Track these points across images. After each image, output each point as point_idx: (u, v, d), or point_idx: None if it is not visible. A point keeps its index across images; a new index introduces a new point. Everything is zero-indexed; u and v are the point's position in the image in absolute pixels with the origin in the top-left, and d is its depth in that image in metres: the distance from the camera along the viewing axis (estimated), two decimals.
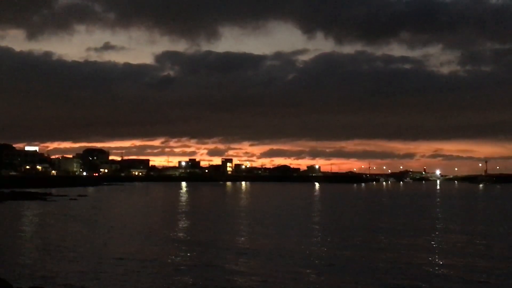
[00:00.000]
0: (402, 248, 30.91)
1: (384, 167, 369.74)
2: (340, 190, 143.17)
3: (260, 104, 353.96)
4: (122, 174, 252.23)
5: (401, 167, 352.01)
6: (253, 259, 27.11)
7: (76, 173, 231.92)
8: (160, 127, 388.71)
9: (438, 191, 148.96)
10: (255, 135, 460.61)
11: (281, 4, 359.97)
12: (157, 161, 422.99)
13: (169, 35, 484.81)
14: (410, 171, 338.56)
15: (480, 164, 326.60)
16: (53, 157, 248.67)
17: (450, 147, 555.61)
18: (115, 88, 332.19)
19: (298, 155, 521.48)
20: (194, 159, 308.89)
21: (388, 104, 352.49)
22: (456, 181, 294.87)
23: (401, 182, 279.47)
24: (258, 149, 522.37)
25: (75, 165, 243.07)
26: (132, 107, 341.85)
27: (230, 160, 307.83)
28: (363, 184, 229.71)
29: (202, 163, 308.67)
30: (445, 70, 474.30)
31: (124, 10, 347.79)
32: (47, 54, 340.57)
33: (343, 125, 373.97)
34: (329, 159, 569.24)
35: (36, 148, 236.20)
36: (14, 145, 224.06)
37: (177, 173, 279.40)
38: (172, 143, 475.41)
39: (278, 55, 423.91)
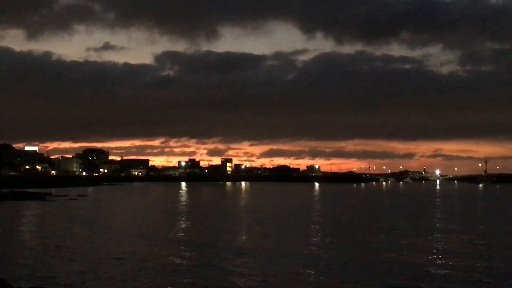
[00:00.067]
0: (402, 248, 30.92)
1: (384, 167, 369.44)
2: (340, 190, 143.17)
3: (260, 104, 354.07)
4: (122, 174, 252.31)
5: (401, 167, 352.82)
6: (253, 259, 27.11)
7: (76, 173, 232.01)
8: (160, 127, 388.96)
9: (438, 191, 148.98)
10: (255, 135, 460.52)
11: (281, 4, 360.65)
12: (156, 161, 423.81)
13: (169, 35, 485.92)
14: (410, 171, 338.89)
15: (480, 164, 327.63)
16: (52, 157, 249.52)
17: (450, 147, 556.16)
18: (115, 88, 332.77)
19: (298, 155, 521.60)
20: (194, 159, 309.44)
21: (388, 104, 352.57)
22: (456, 181, 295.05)
23: (401, 182, 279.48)
24: (257, 149, 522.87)
25: (74, 165, 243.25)
26: (132, 107, 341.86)
27: (230, 160, 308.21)
28: (362, 184, 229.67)
29: (202, 163, 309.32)
30: (445, 70, 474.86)
31: (124, 10, 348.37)
32: (47, 54, 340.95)
33: (343, 125, 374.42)
34: (329, 159, 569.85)
35: (35, 148, 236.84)
36: (13, 145, 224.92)
37: (176, 173, 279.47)
38: (171, 143, 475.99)
39: (278, 55, 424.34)
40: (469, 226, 44.15)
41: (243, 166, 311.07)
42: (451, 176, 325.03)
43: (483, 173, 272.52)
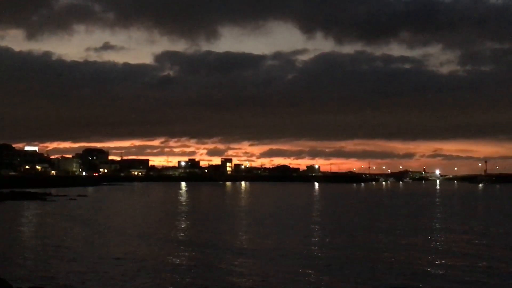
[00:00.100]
0: (402, 248, 30.92)
1: (384, 167, 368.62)
2: (340, 190, 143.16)
3: (259, 104, 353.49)
4: (122, 174, 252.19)
5: (400, 167, 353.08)
6: (253, 259, 27.10)
7: (76, 173, 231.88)
8: (160, 127, 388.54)
9: (438, 191, 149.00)
10: (254, 135, 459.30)
11: (281, 4, 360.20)
12: (156, 161, 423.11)
13: (169, 35, 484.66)
14: (409, 171, 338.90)
15: (479, 164, 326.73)
16: (52, 157, 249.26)
17: (449, 147, 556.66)
18: (115, 88, 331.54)
19: (298, 155, 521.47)
20: (194, 159, 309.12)
21: (388, 104, 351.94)
22: (455, 181, 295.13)
23: (400, 182, 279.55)
24: (257, 149, 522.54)
25: (74, 165, 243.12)
26: (132, 107, 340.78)
27: (230, 160, 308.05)
28: (362, 184, 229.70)
29: (202, 163, 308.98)
30: (445, 70, 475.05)
31: (124, 10, 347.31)
32: (47, 54, 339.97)
33: (343, 125, 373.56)
34: (328, 159, 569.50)
35: (35, 148, 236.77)
36: (13, 145, 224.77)
37: (176, 173, 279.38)
38: (171, 143, 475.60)
39: (277, 55, 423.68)
40: (469, 226, 44.14)
41: (243, 166, 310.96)
42: (451, 176, 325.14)
43: (483, 173, 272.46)
